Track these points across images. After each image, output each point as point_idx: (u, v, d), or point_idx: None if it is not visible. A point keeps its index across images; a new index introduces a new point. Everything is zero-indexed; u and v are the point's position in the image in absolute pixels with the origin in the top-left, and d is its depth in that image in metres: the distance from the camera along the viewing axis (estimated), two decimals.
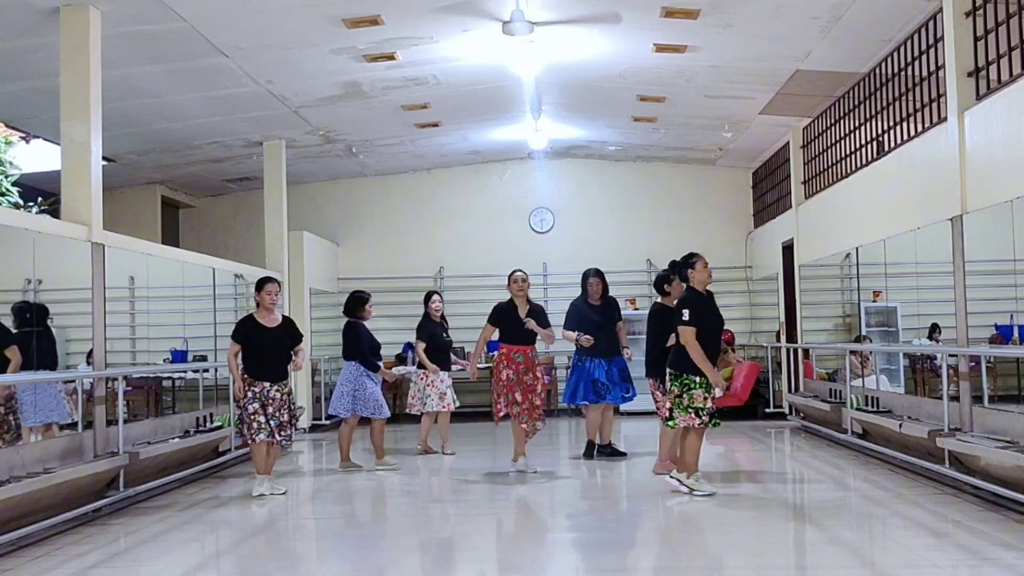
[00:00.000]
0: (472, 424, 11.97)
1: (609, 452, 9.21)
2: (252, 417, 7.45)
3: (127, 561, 5.87)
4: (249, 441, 7.56)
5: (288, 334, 7.74)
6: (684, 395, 7.03)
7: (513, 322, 8.33)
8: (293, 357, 7.73)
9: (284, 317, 7.95)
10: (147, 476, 7.74)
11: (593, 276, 9.28)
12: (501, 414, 8.38)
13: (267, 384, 7.50)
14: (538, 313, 8.44)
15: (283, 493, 7.73)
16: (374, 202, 15.10)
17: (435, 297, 10.08)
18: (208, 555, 6.20)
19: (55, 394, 7.29)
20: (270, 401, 7.49)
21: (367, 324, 9.10)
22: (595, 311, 9.12)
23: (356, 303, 9.14)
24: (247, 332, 7.63)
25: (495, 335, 8.52)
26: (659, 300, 8.49)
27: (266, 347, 7.57)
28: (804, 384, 12.16)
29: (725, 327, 7.98)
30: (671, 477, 7.28)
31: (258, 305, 7.72)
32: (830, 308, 11.81)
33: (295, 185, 13.53)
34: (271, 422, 7.47)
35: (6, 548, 5.79)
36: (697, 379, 6.99)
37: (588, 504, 7.54)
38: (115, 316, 7.92)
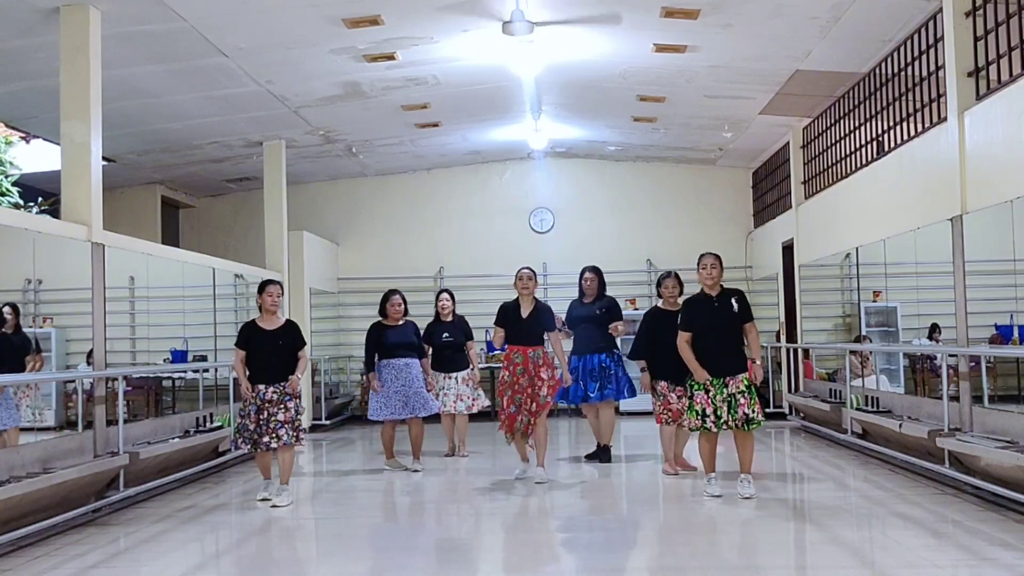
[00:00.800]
0: (471, 424, 11.95)
1: (600, 454, 9.02)
2: (243, 424, 7.32)
3: (127, 561, 5.86)
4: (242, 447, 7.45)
5: (288, 336, 7.54)
6: (690, 397, 7.10)
7: (514, 321, 8.04)
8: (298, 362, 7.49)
9: (287, 320, 7.77)
10: (147, 476, 7.74)
11: (588, 272, 9.15)
12: (504, 428, 7.96)
13: (262, 387, 7.32)
14: (543, 312, 8.14)
15: (286, 505, 7.28)
16: (374, 202, 15.11)
17: (442, 296, 9.89)
18: (208, 555, 6.20)
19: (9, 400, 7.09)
20: (266, 405, 7.29)
21: (404, 321, 8.97)
22: (579, 307, 9.03)
23: (380, 302, 9.04)
24: (248, 337, 7.47)
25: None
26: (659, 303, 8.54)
27: (265, 350, 7.39)
28: (804, 384, 12.16)
29: None
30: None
31: (260, 308, 7.58)
32: (830, 308, 11.81)
33: (295, 185, 13.54)
34: (266, 427, 7.23)
35: (6, 548, 5.79)
36: (699, 382, 7.03)
37: (589, 504, 7.53)
38: (115, 316, 7.92)
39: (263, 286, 7.59)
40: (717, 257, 7.27)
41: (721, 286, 7.25)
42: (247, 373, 7.39)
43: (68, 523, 6.49)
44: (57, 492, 6.36)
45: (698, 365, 7.01)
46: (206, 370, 9.95)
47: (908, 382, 9.66)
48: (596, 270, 9.17)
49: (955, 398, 7.56)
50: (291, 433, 7.33)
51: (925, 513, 6.40)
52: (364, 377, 8.89)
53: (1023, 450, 6.20)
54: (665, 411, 8.15)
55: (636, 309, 14.13)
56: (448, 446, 9.86)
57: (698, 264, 7.29)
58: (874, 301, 10.24)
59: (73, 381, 7.70)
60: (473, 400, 9.70)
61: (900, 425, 8.03)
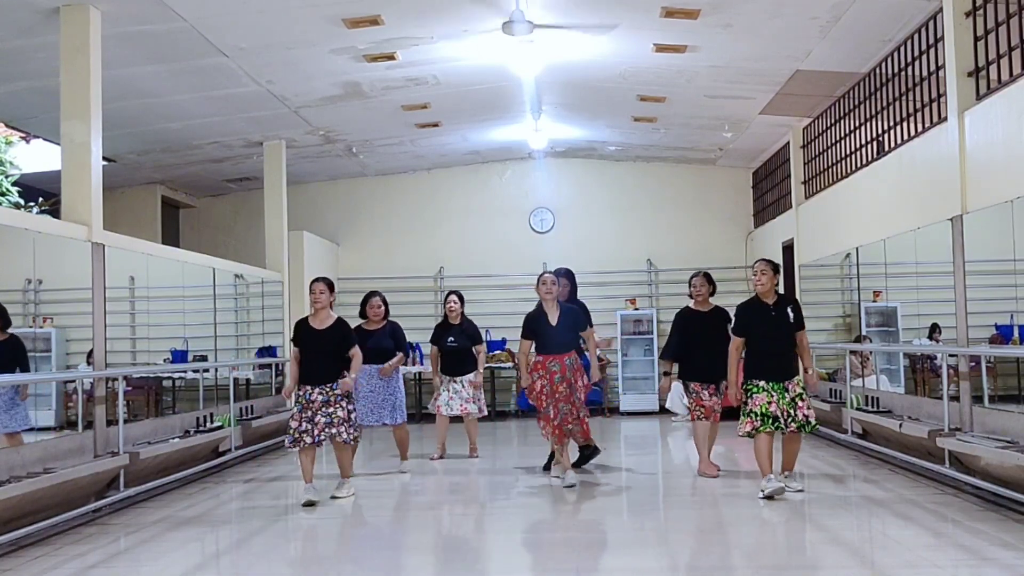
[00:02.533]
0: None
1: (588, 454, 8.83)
2: (292, 422, 7.25)
3: (127, 561, 5.86)
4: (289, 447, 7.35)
5: (337, 337, 7.37)
6: (748, 400, 7.04)
7: (544, 329, 7.73)
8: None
9: (337, 319, 7.52)
10: (147, 476, 7.74)
11: (562, 277, 8.72)
12: (546, 436, 7.83)
13: (309, 387, 7.24)
14: (572, 315, 7.89)
15: (346, 496, 7.39)
16: (374, 202, 15.10)
17: (450, 298, 9.57)
18: (208, 555, 6.20)
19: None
20: (310, 404, 7.22)
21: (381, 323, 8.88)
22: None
23: (360, 304, 8.99)
24: (299, 334, 7.42)
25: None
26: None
27: (311, 350, 7.30)
28: None
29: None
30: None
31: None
32: (830, 308, 11.80)
33: (295, 185, 13.54)
34: (309, 424, 7.17)
35: (6, 548, 5.79)
36: (760, 383, 6.98)
37: (588, 504, 7.53)
38: (115, 316, 7.92)
39: (310, 285, 7.49)
40: (768, 263, 7.18)
41: (776, 292, 7.21)
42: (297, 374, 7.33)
43: (68, 523, 6.50)
44: (57, 492, 6.36)
45: (736, 381, 7.15)
46: (206, 370, 9.95)
47: (908, 382, 9.66)
48: (570, 275, 8.88)
49: (955, 398, 7.56)
50: (349, 432, 7.29)
51: (925, 513, 6.40)
52: None
53: (1023, 450, 6.20)
54: (698, 408, 8.09)
55: (636, 309, 14.15)
56: (438, 450, 9.56)
57: (752, 270, 7.28)
58: (874, 301, 10.23)
59: (73, 381, 7.70)
60: (480, 403, 9.49)
61: (900, 425, 8.03)
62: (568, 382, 7.68)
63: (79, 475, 6.59)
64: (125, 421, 7.52)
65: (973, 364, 7.49)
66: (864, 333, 10.30)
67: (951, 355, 7.65)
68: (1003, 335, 7.48)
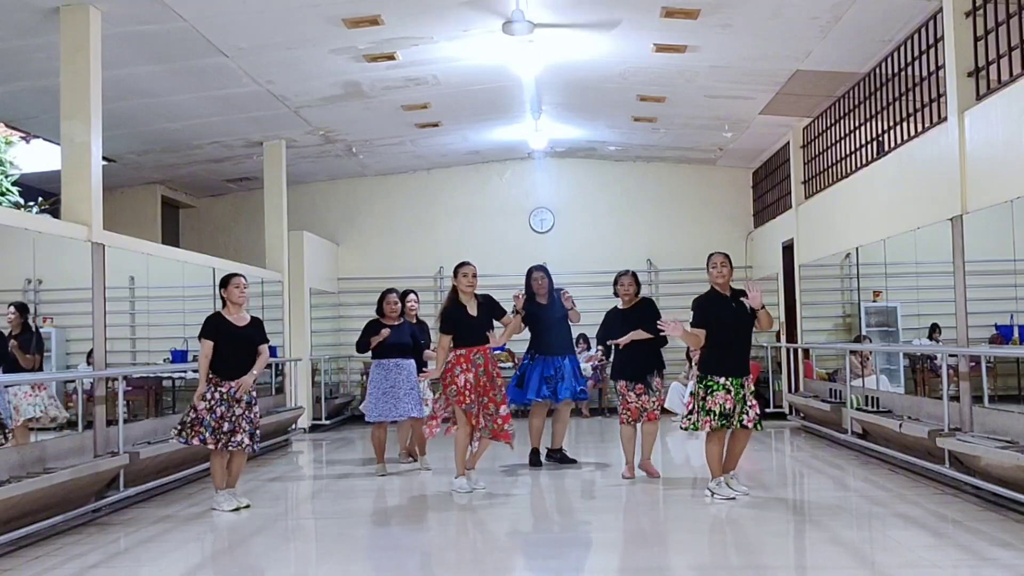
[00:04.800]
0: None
1: (559, 458, 8.83)
2: (199, 417, 6.96)
3: (127, 561, 5.87)
4: (195, 443, 7.02)
5: (257, 333, 7.29)
6: (707, 397, 6.86)
7: (466, 323, 7.55)
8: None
9: (253, 317, 7.41)
10: (147, 476, 7.74)
11: (536, 271, 8.88)
12: (436, 427, 7.56)
13: (232, 384, 7.03)
14: (490, 305, 7.80)
15: (246, 506, 7.15)
16: (374, 202, 15.11)
17: (411, 296, 9.34)
18: (208, 555, 6.20)
19: None
20: (235, 402, 7.03)
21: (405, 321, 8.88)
22: (542, 309, 8.71)
23: (377, 302, 8.92)
24: (218, 329, 7.11)
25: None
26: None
27: (236, 345, 7.09)
28: (804, 384, 12.16)
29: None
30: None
31: (224, 302, 7.23)
32: (830, 308, 11.81)
33: (295, 185, 13.54)
34: (231, 424, 6.98)
35: (6, 548, 5.79)
36: (720, 380, 6.86)
37: (584, 505, 7.53)
38: (115, 316, 7.92)
39: (227, 279, 7.24)
40: (726, 256, 7.22)
41: (730, 286, 7.20)
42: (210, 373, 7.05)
43: (68, 523, 6.50)
44: (57, 492, 6.36)
45: (692, 334, 6.96)
46: None
47: (908, 382, 9.66)
48: (546, 269, 8.97)
49: (955, 398, 7.56)
50: (257, 439, 7.18)
51: (925, 513, 6.40)
52: (370, 344, 8.67)
53: (1023, 450, 6.20)
54: (624, 411, 8.04)
55: None
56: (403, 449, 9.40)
57: (708, 263, 7.21)
58: (874, 301, 10.24)
59: (73, 381, 7.70)
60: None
61: (900, 425, 8.03)
62: (489, 375, 7.55)
63: (79, 475, 6.59)
64: (125, 421, 7.52)
65: (973, 364, 7.49)
66: (864, 333, 10.30)
67: (951, 355, 7.65)
68: (1003, 335, 7.49)
